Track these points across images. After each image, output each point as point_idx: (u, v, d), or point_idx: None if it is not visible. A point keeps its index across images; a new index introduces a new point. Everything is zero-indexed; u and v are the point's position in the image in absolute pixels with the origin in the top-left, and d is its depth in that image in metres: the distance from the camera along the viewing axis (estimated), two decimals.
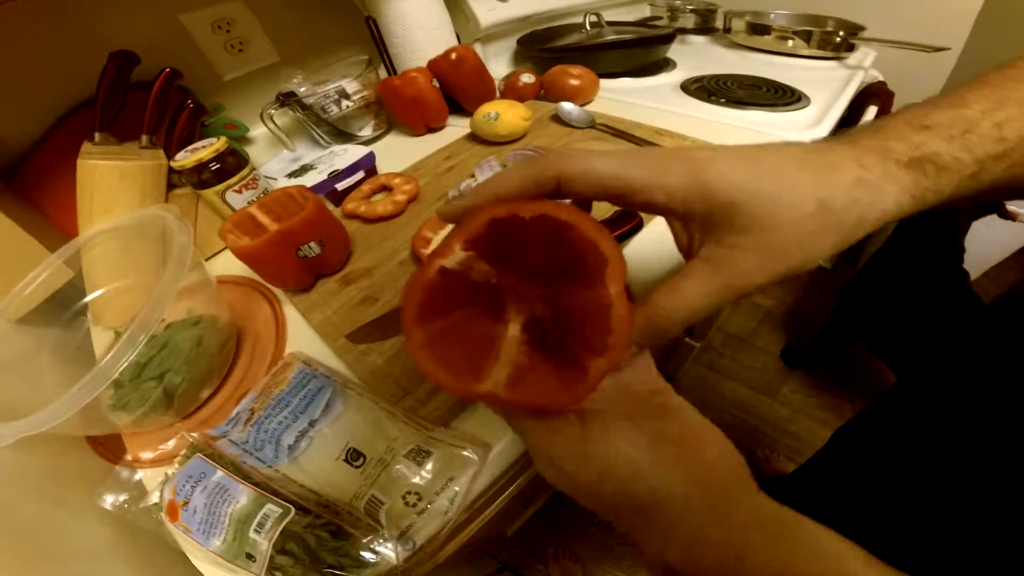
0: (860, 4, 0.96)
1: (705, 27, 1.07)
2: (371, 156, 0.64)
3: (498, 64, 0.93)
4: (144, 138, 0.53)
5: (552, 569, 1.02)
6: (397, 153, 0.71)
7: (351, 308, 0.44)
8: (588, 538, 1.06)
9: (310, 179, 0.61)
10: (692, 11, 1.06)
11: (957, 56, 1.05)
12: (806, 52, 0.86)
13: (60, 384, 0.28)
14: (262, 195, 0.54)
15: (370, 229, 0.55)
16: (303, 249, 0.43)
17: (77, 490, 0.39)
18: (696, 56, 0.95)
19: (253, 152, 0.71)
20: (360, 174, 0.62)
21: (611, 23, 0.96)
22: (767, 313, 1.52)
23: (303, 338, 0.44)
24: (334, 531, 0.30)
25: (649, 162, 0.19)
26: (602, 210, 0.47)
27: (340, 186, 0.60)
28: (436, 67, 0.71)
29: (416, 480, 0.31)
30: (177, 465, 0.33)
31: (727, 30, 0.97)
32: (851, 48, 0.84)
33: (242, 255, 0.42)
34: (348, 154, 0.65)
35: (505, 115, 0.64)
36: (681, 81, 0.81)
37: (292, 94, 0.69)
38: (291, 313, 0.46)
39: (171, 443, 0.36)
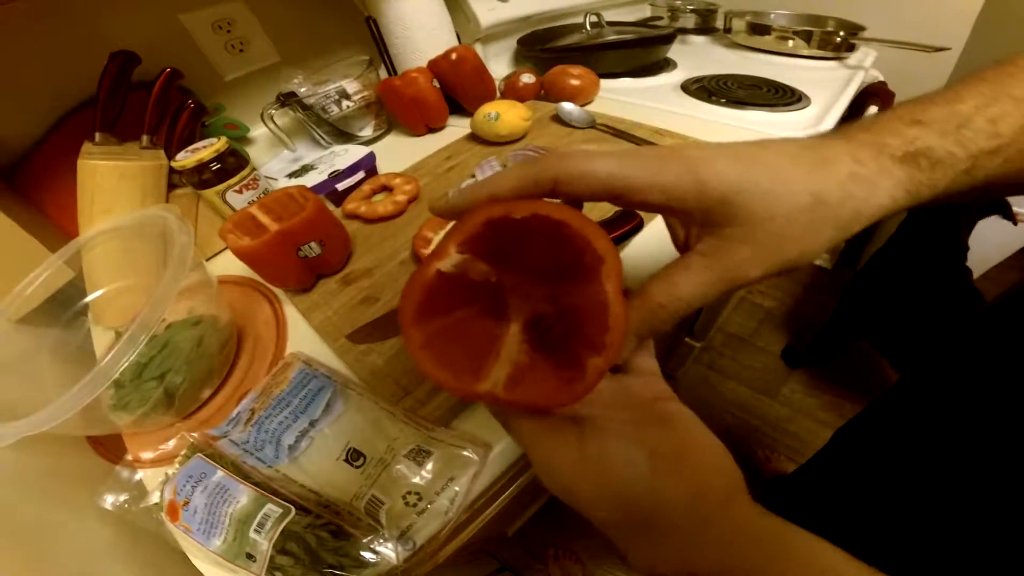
0: (860, 4, 0.96)
1: (705, 27, 1.07)
2: (371, 156, 0.64)
3: (498, 64, 0.93)
4: (145, 138, 0.53)
5: (552, 569, 1.02)
6: (397, 153, 0.71)
7: (351, 308, 0.44)
8: (588, 538, 1.06)
9: (310, 179, 0.61)
10: (692, 11, 1.06)
11: (957, 56, 1.05)
12: (806, 52, 0.86)
13: (61, 384, 0.28)
14: (262, 195, 0.54)
15: (370, 229, 0.55)
16: (303, 249, 0.43)
17: (78, 490, 0.39)
18: (696, 56, 0.95)
19: (254, 152, 0.71)
20: (360, 174, 0.62)
21: (611, 23, 0.96)
22: (767, 313, 1.52)
23: (304, 338, 0.44)
24: (334, 531, 0.30)
25: (646, 161, 0.19)
26: (602, 210, 0.47)
27: (340, 186, 0.60)
28: (436, 67, 0.71)
29: (416, 480, 0.31)
30: (177, 465, 0.33)
31: (727, 30, 0.97)
32: (851, 48, 0.84)
33: (242, 255, 0.42)
34: (348, 154, 0.65)
35: (505, 115, 0.64)
36: (681, 81, 0.81)
37: (292, 94, 0.69)
38: (292, 313, 0.47)
39: (171, 443, 0.36)
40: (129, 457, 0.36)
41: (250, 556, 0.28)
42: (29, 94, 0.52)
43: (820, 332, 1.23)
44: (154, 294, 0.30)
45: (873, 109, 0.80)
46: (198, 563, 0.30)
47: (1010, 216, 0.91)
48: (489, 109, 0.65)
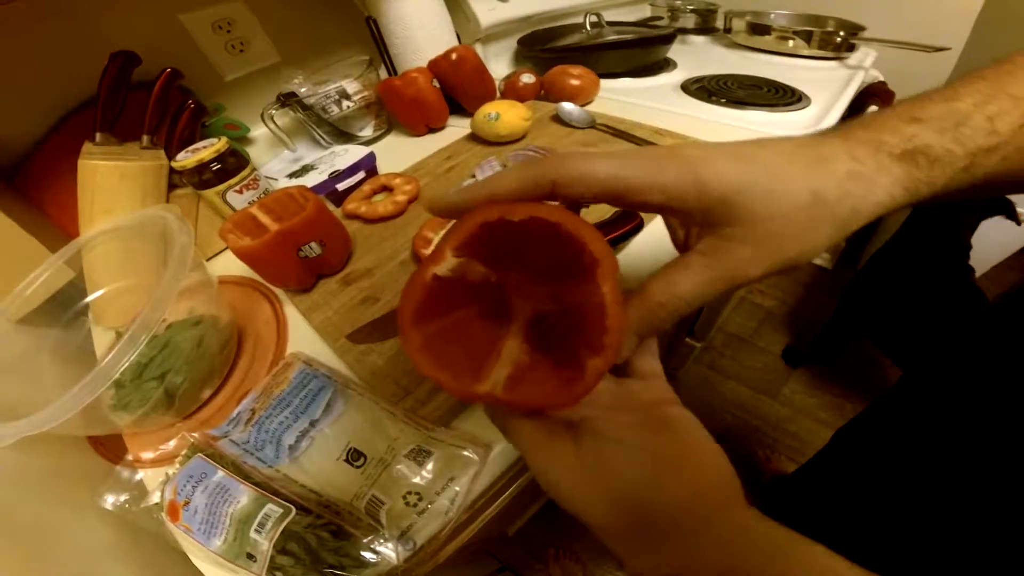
0: (860, 4, 0.96)
1: (705, 27, 1.07)
2: (372, 156, 0.64)
3: (498, 64, 0.93)
4: (145, 138, 0.53)
5: (553, 569, 1.02)
6: (398, 153, 0.71)
7: (352, 308, 0.45)
8: (589, 538, 1.06)
9: (311, 179, 0.61)
10: (692, 11, 1.06)
11: (958, 56, 1.05)
12: (806, 52, 0.86)
13: (61, 384, 0.28)
14: (263, 195, 0.54)
15: (371, 229, 0.55)
16: (304, 249, 0.43)
17: (78, 490, 0.39)
18: (696, 56, 0.95)
19: (254, 152, 0.71)
20: (361, 174, 0.62)
21: (611, 23, 0.97)
22: (768, 313, 1.52)
23: (304, 338, 0.44)
24: (335, 531, 0.30)
25: (645, 162, 0.19)
26: (602, 210, 0.47)
27: (341, 186, 0.60)
28: (436, 67, 0.71)
29: (417, 480, 0.31)
30: (178, 465, 0.33)
31: (727, 30, 0.97)
32: (851, 48, 0.84)
33: (243, 255, 0.42)
34: (349, 154, 0.65)
35: (505, 115, 0.64)
36: (681, 81, 0.81)
37: (293, 94, 0.69)
38: (292, 313, 0.47)
39: (172, 443, 0.36)
40: (130, 457, 0.36)
41: (250, 556, 0.28)
42: (30, 94, 0.52)
43: (821, 331, 1.23)
44: (154, 294, 0.30)
45: (873, 109, 0.80)
46: (198, 563, 0.30)
47: (1014, 216, 0.91)
48: (489, 109, 0.65)
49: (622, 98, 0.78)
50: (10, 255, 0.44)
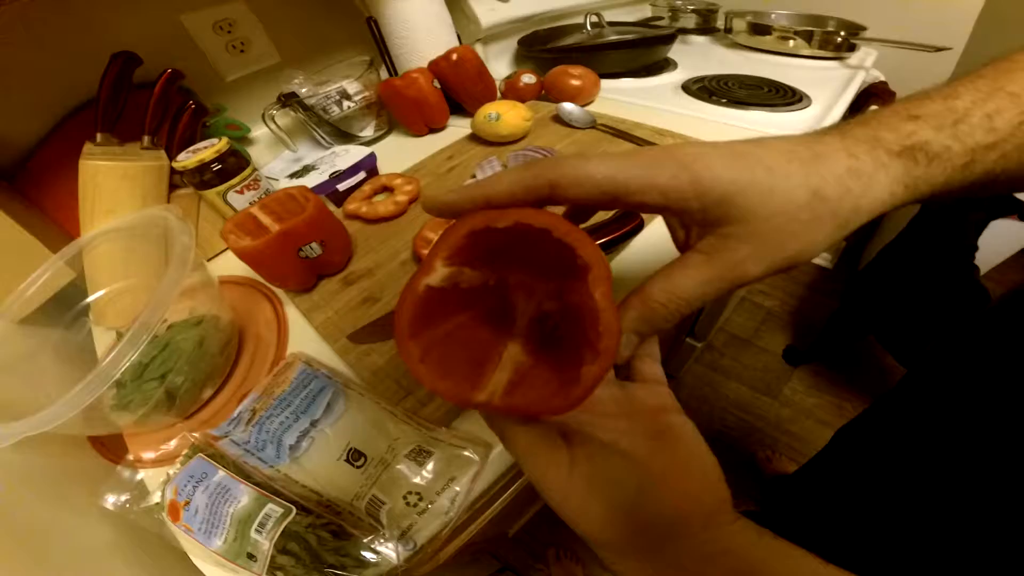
0: (861, 4, 0.96)
1: (706, 27, 1.07)
2: (372, 157, 0.64)
3: (499, 64, 0.93)
4: (146, 139, 0.53)
5: (554, 569, 1.02)
6: (398, 153, 0.72)
7: (352, 308, 0.45)
8: None
9: (311, 180, 0.62)
10: (693, 11, 1.06)
11: (958, 56, 1.05)
12: (807, 52, 0.86)
13: (62, 384, 0.28)
14: (263, 196, 0.54)
15: (371, 230, 0.55)
16: (304, 250, 0.44)
17: (79, 490, 0.39)
18: (697, 56, 0.95)
19: (254, 153, 0.71)
20: (361, 174, 0.62)
21: (612, 23, 0.97)
22: (769, 313, 1.52)
23: (305, 338, 0.44)
24: (335, 531, 0.30)
25: (641, 162, 0.18)
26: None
27: (341, 186, 0.60)
28: (437, 68, 0.71)
29: (417, 480, 0.31)
30: (179, 465, 0.33)
31: (728, 30, 0.97)
32: (852, 48, 0.84)
33: (243, 255, 0.42)
34: (349, 155, 0.65)
35: (506, 115, 0.64)
36: (682, 81, 0.81)
37: (293, 95, 0.69)
38: (293, 313, 0.47)
39: (173, 443, 0.36)
40: (130, 457, 0.37)
41: (251, 556, 0.28)
42: (31, 95, 0.53)
43: (824, 327, 1.23)
44: (155, 294, 0.30)
45: (874, 108, 0.80)
46: (199, 563, 0.30)
47: None
48: (490, 109, 0.65)
49: (623, 98, 0.78)
50: (11, 255, 0.44)
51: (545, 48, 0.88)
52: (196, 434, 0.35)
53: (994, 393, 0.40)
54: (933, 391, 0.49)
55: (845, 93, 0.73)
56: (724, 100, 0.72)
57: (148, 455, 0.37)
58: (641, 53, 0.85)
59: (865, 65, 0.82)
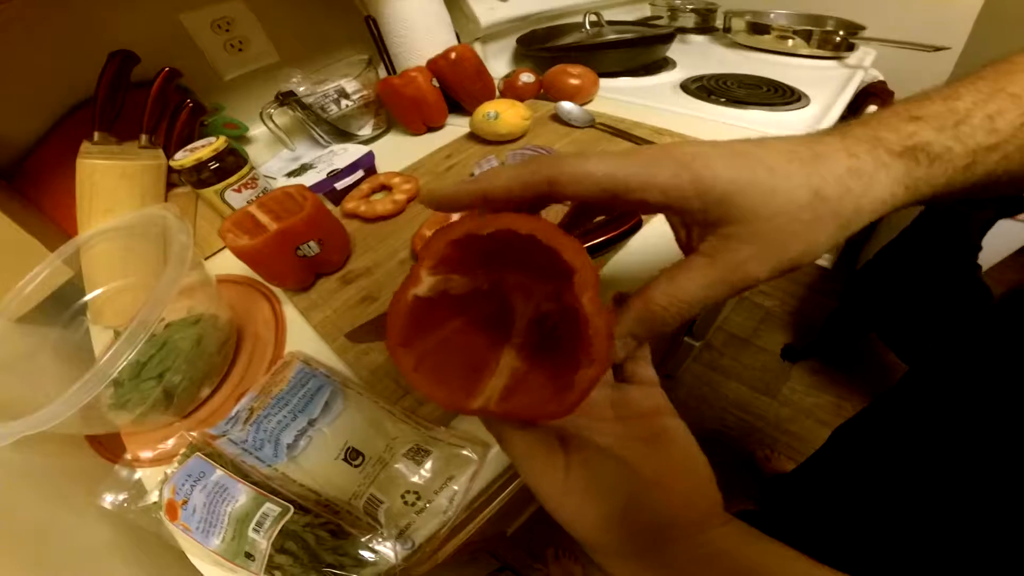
0: (860, 3, 0.96)
1: (705, 26, 1.07)
2: (370, 155, 0.64)
3: (498, 63, 0.93)
4: (143, 137, 0.53)
5: (552, 568, 1.02)
6: (397, 152, 0.71)
7: (351, 307, 0.44)
8: None
9: (309, 178, 0.61)
10: (692, 10, 1.06)
11: (957, 56, 1.05)
12: (806, 51, 0.86)
13: (60, 383, 0.28)
14: (261, 194, 0.54)
15: (369, 228, 0.55)
16: (302, 248, 0.43)
17: (76, 489, 0.39)
18: (696, 55, 0.95)
19: (252, 151, 0.71)
20: (359, 173, 0.62)
21: (611, 22, 0.96)
22: (768, 313, 1.52)
23: (303, 337, 0.44)
24: (333, 530, 0.30)
25: (641, 160, 0.18)
26: None
27: (339, 185, 0.60)
28: (436, 66, 0.71)
29: (415, 479, 0.31)
30: (176, 464, 0.33)
31: (727, 29, 0.97)
32: (851, 48, 0.84)
33: (241, 254, 0.42)
34: (347, 153, 0.65)
35: (505, 114, 0.64)
36: (681, 80, 0.81)
37: (292, 93, 0.69)
38: (291, 312, 0.46)
39: (170, 442, 0.36)
40: (128, 456, 0.36)
41: (249, 555, 0.28)
42: (29, 93, 0.52)
43: (825, 323, 1.24)
44: (153, 293, 0.30)
45: (872, 108, 0.80)
46: (197, 562, 0.30)
47: None
48: (488, 108, 0.65)
49: (621, 97, 0.78)
50: (9, 254, 0.44)
51: (544, 47, 0.88)
52: (194, 433, 0.35)
53: (995, 390, 0.40)
54: (934, 389, 0.49)
55: (844, 93, 0.73)
56: (723, 99, 0.72)
57: (146, 454, 0.37)
58: (640, 52, 0.85)
59: (864, 65, 0.82)
